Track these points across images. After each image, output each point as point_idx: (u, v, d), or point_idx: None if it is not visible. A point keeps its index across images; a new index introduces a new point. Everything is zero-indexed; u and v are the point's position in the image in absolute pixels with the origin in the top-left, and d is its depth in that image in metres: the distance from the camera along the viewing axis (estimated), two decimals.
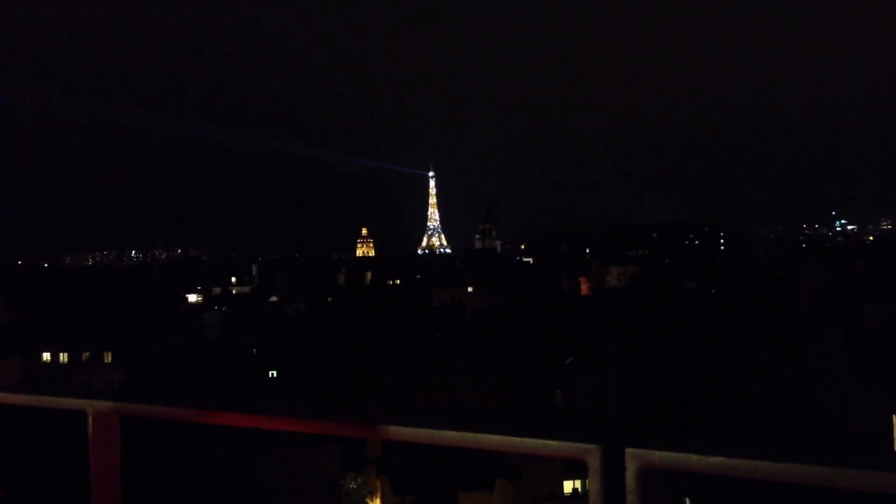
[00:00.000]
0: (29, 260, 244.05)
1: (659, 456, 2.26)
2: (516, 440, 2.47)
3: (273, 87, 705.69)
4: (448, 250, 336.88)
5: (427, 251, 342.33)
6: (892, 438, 42.69)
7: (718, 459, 2.15)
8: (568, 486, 41.28)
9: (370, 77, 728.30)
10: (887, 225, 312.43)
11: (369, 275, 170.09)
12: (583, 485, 40.42)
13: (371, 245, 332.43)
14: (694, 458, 2.19)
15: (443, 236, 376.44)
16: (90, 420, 3.42)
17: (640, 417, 47.00)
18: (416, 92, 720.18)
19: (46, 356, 71.54)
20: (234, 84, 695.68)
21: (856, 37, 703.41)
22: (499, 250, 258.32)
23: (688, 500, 35.03)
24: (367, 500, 51.22)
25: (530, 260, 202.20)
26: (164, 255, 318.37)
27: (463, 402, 50.92)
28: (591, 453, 2.34)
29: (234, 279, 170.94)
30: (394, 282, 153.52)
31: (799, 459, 2.05)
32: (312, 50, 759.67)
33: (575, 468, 39.66)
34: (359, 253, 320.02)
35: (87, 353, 71.74)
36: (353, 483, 53.62)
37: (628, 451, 2.30)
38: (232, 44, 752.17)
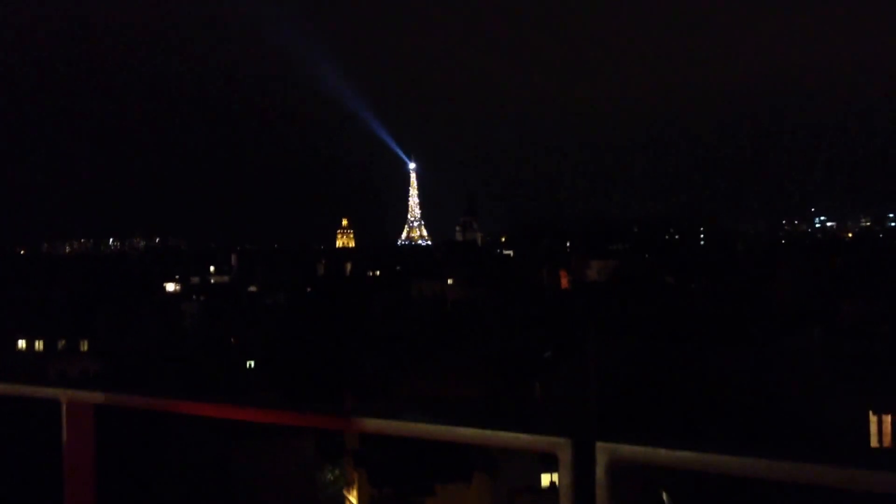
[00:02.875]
0: (5, 247, 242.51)
1: (629, 450, 2.27)
2: (488, 433, 2.51)
3: (252, 75, 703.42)
4: (428, 242, 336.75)
5: (407, 243, 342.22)
6: (869, 435, 42.88)
7: (688, 454, 2.17)
8: (545, 479, 41.16)
9: (353, 67, 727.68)
10: (867, 222, 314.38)
11: (349, 266, 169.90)
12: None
13: (351, 236, 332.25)
14: (663, 452, 2.20)
15: (423, 228, 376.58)
16: (64, 409, 3.41)
17: (617, 412, 46.99)
18: (398, 83, 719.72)
19: (21, 344, 71.03)
20: (214, 72, 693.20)
21: (836, 34, 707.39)
22: (479, 243, 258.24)
23: (665, 495, 35.02)
24: (344, 492, 51.06)
25: (511, 253, 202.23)
26: (142, 244, 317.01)
27: (441, 394, 50.74)
28: (561, 447, 2.38)
29: (212, 269, 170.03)
30: (373, 273, 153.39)
31: (768, 455, 2.07)
32: (294, 39, 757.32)
33: (553, 461, 39.56)
34: (339, 244, 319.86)
35: (63, 342, 71.28)
36: (329, 475, 53.46)
37: (599, 444, 2.31)
38: (210, 30, 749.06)
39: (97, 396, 3.38)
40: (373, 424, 2.75)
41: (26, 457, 28.33)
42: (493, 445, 2.59)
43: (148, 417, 39.41)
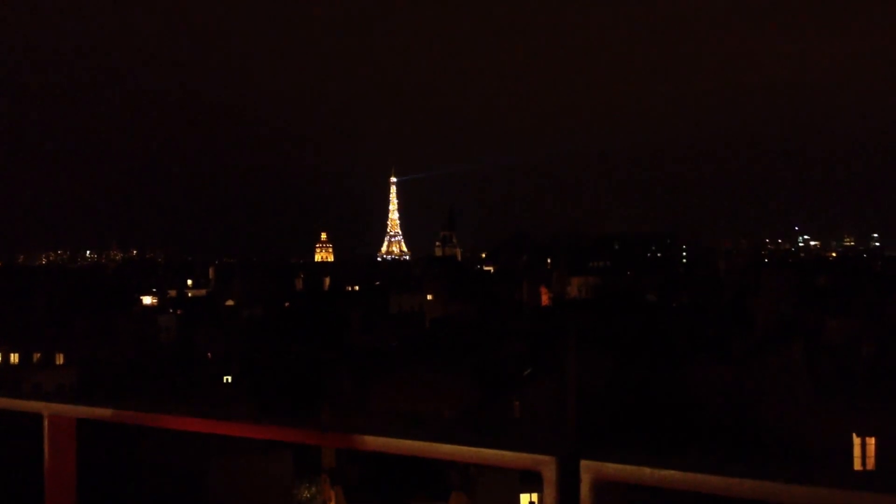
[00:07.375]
0: None
1: (613, 468, 2.28)
2: (472, 450, 2.48)
3: (232, 90, 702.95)
4: (408, 257, 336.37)
5: (387, 257, 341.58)
6: (852, 456, 42.55)
7: (672, 473, 2.17)
8: (525, 500, 40.67)
9: (332, 81, 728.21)
10: (850, 241, 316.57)
11: (328, 280, 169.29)
12: (539, 499, 39.79)
13: (330, 250, 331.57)
14: (648, 471, 2.21)
15: (403, 243, 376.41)
16: (46, 423, 3.40)
17: (597, 430, 46.61)
18: (378, 98, 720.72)
19: None
20: (193, 86, 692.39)
21: (823, 50, 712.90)
22: (459, 258, 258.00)
23: None
24: None
25: (491, 268, 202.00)
26: (118, 256, 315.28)
27: (419, 410, 50.28)
28: (546, 465, 2.35)
29: (190, 282, 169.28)
30: (352, 287, 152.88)
31: (752, 475, 2.06)
32: (273, 51, 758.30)
33: (532, 481, 39.12)
34: (317, 258, 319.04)
35: (39, 355, 70.65)
36: (306, 492, 52.88)
37: (583, 462, 2.31)
38: (189, 43, 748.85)
39: (79, 410, 3.39)
40: (354, 440, 2.71)
41: (5, 470, 27.69)
42: (477, 463, 2.56)
43: (121, 432, 38.77)
